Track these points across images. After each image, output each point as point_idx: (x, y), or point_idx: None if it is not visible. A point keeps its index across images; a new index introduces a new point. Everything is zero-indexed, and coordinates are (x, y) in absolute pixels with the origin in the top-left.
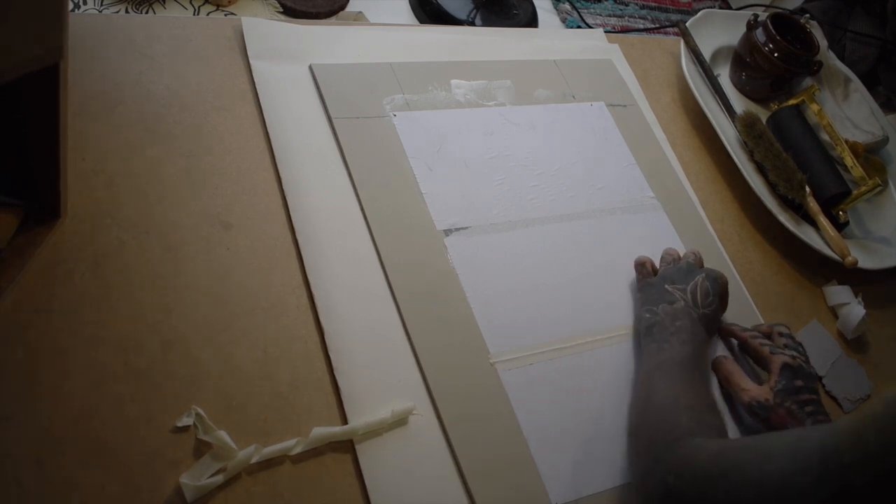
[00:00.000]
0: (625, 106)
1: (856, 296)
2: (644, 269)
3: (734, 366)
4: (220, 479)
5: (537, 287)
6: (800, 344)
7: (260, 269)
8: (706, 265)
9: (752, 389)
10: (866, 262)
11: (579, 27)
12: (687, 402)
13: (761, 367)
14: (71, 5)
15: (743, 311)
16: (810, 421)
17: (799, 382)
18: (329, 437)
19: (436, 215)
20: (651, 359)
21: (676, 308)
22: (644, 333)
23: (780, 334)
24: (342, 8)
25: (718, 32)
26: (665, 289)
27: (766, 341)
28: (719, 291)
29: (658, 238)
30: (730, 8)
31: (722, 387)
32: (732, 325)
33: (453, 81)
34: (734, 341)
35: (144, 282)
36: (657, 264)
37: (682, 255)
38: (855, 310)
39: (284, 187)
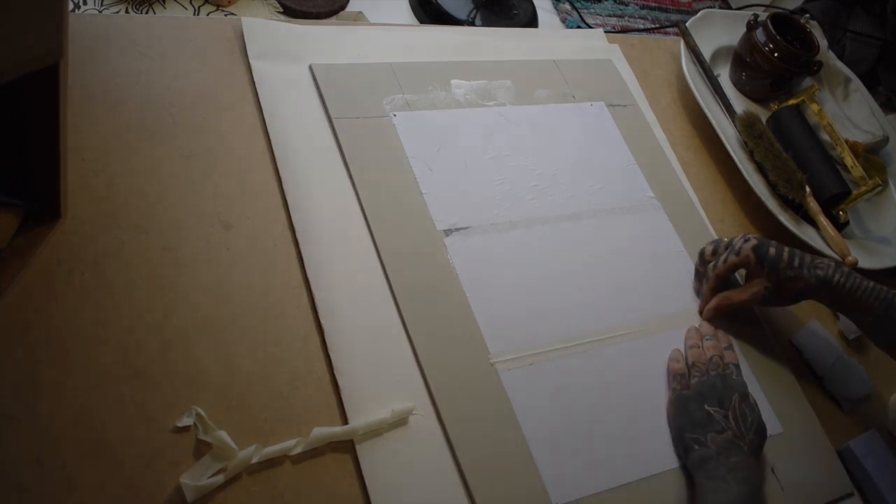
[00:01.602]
0: (625, 106)
1: None
2: (683, 381)
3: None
4: (220, 479)
5: (537, 287)
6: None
7: (260, 269)
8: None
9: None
10: (866, 262)
11: (579, 27)
12: None
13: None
14: (71, 5)
15: (742, 311)
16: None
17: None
18: (329, 437)
19: (436, 215)
20: (708, 500)
21: (726, 439)
22: (696, 466)
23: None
24: (342, 8)
25: (718, 32)
26: (706, 410)
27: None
28: (756, 416)
29: (658, 238)
30: (730, 8)
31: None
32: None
33: (453, 81)
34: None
35: (144, 282)
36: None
37: (702, 335)
38: None
39: (284, 187)
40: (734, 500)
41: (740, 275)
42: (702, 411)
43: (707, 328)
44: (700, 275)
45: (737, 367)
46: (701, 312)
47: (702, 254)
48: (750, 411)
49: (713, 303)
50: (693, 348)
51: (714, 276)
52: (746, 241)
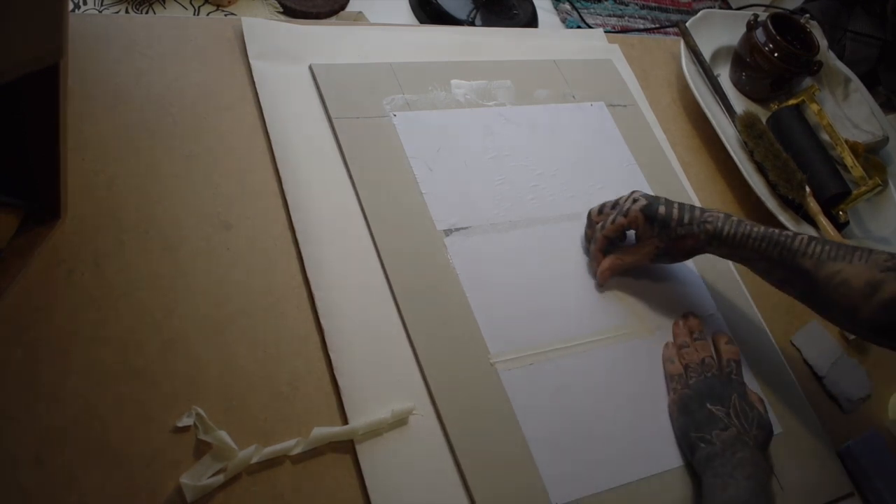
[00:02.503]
0: (625, 106)
1: None
2: (682, 381)
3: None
4: (220, 479)
5: (537, 287)
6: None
7: (260, 269)
8: (704, 259)
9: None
10: None
11: (579, 27)
12: None
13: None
14: (71, 5)
15: (743, 312)
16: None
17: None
18: (329, 437)
19: (436, 215)
20: (715, 497)
21: (731, 435)
22: (703, 465)
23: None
24: (342, 8)
25: (718, 32)
26: (708, 409)
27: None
28: (757, 413)
29: None
30: (730, 8)
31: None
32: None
33: (453, 81)
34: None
35: (144, 282)
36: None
37: (690, 331)
38: None
39: (284, 187)
40: (741, 495)
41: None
42: (704, 410)
43: (694, 323)
44: (589, 237)
45: (737, 363)
46: (594, 275)
47: (589, 215)
48: (750, 409)
49: (605, 264)
50: (684, 348)
51: (602, 237)
52: (635, 201)
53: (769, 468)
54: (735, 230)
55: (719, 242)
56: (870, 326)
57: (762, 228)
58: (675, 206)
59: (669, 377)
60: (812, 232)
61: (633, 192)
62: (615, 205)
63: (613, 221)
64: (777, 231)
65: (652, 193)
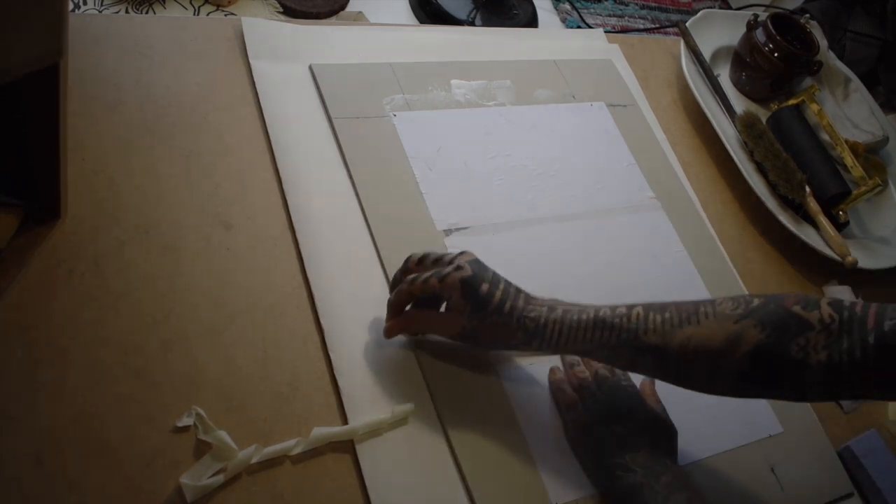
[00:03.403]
0: (625, 106)
1: (856, 296)
2: (577, 408)
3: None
4: (220, 479)
5: (537, 287)
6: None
7: (260, 269)
8: (704, 260)
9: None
10: (866, 262)
11: (579, 27)
12: None
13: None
14: (71, 5)
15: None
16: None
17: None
18: (329, 437)
19: (436, 215)
20: None
21: (645, 456)
22: (630, 499)
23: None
24: (342, 8)
25: (718, 32)
26: (614, 430)
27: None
28: (659, 417)
29: (658, 238)
30: (730, 8)
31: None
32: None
33: (453, 81)
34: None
35: (144, 282)
36: None
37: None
38: None
39: (284, 187)
40: None
41: None
42: (610, 433)
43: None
44: (395, 282)
45: (623, 371)
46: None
47: (407, 259)
48: (649, 416)
49: (398, 322)
50: (574, 365)
51: (406, 292)
52: (459, 268)
53: (686, 474)
54: (560, 327)
55: (541, 342)
56: (738, 378)
57: (591, 314)
58: (501, 288)
59: (565, 408)
60: (812, 232)
61: (463, 254)
62: (438, 260)
63: (426, 281)
64: (608, 311)
65: (652, 194)
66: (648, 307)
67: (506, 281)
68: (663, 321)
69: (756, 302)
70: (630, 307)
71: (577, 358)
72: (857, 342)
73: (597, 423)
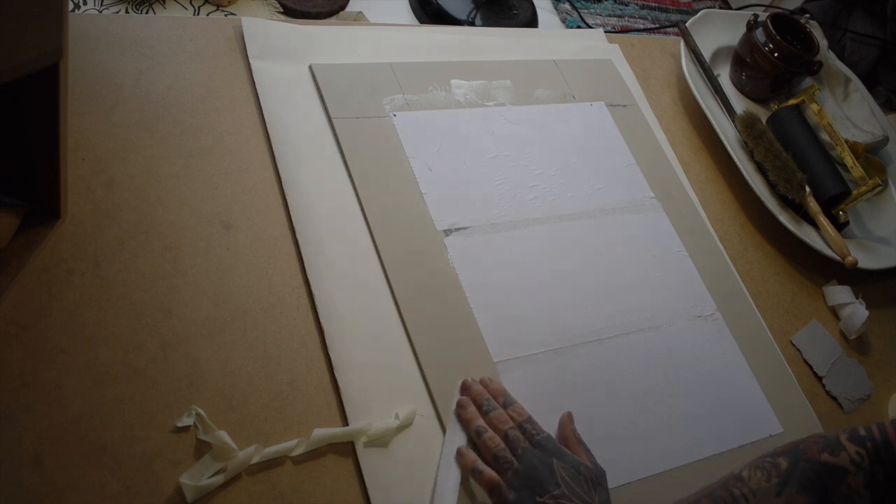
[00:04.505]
0: (625, 106)
1: (856, 296)
2: (500, 490)
3: None
4: (220, 479)
5: (537, 287)
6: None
7: (260, 269)
8: (704, 260)
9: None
10: (866, 262)
11: (579, 27)
12: None
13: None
14: (71, 5)
15: (743, 312)
16: None
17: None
18: (330, 437)
19: (436, 215)
20: None
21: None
22: None
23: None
24: (342, 8)
25: (718, 32)
26: (540, 502)
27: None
28: (585, 468)
29: (658, 238)
30: (730, 8)
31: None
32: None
33: (453, 81)
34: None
35: (144, 282)
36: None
37: (478, 403)
38: (859, 311)
39: (284, 187)
40: None
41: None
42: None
43: (475, 388)
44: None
45: (530, 420)
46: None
47: (491, 484)
48: (575, 468)
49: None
50: (481, 434)
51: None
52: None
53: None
54: None
55: None
56: None
57: None
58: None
59: (488, 492)
60: (812, 232)
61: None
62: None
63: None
64: None
65: (652, 194)
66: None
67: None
68: None
69: (783, 463)
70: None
71: (482, 424)
72: (890, 468)
73: (522, 500)
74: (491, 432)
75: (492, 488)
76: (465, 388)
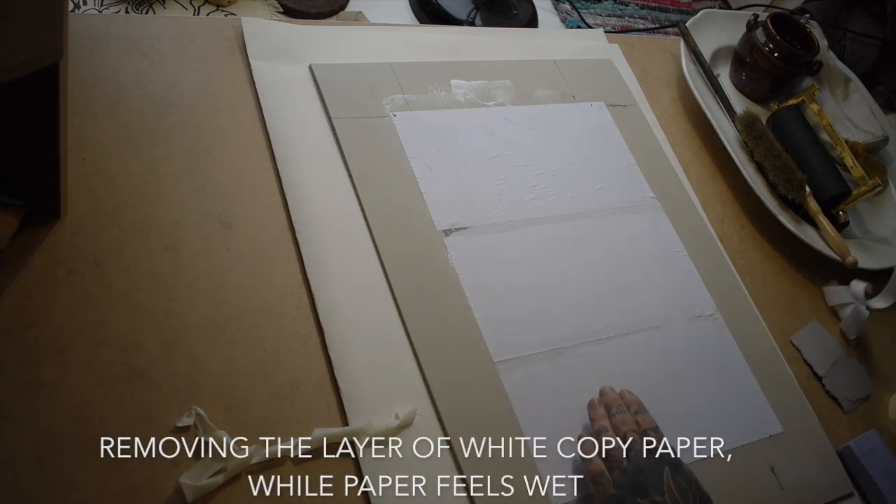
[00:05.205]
0: (625, 106)
1: (866, 293)
2: (604, 480)
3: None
4: (220, 479)
5: (537, 287)
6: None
7: (260, 269)
8: (704, 260)
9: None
10: (866, 262)
11: (579, 27)
12: None
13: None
14: (71, 5)
15: (743, 312)
16: None
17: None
18: (330, 437)
19: (436, 215)
20: None
21: None
22: None
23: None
24: (342, 8)
25: (718, 32)
26: None
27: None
28: (695, 485)
29: (658, 238)
30: (730, 8)
31: None
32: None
33: (453, 81)
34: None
35: (144, 282)
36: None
37: (607, 405)
38: (860, 311)
39: (284, 187)
40: None
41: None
42: None
43: (611, 395)
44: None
45: (655, 430)
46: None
47: (601, 474)
48: (687, 483)
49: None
50: (602, 432)
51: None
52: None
53: None
54: None
55: None
56: None
57: None
58: None
59: (591, 479)
60: (812, 232)
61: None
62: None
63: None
64: None
65: (652, 194)
66: None
67: None
68: None
69: None
70: None
71: (605, 424)
72: None
73: (624, 498)
74: (611, 433)
75: (596, 475)
76: (601, 394)
